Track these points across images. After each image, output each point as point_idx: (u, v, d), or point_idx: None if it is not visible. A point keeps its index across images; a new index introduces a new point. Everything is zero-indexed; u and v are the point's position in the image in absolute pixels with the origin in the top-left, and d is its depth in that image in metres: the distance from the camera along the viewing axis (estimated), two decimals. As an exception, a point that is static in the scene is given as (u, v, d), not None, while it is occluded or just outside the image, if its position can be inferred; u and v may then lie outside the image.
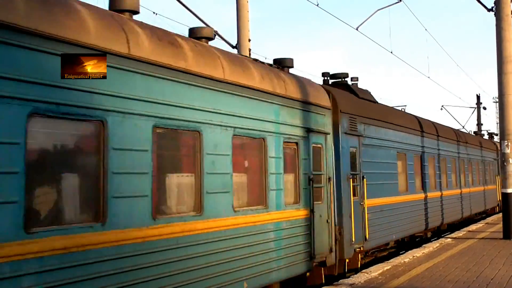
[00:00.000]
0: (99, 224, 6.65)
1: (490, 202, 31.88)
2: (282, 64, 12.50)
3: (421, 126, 21.06)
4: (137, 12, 8.29)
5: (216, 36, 16.56)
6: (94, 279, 6.52)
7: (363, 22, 20.34)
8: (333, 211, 12.75)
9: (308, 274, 11.91)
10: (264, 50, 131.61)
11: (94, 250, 6.52)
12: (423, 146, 20.88)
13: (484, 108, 47.37)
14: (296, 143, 11.44)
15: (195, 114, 8.41)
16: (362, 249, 14.37)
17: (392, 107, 21.68)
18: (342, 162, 13.60)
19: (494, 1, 18.59)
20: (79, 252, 6.34)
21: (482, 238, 18.95)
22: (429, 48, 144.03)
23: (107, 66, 6.41)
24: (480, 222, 26.06)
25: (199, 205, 8.41)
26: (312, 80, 13.59)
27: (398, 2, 21.02)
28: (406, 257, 14.69)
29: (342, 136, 13.80)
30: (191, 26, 10.09)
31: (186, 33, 9.85)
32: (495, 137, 40.01)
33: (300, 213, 11.35)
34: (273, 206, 10.36)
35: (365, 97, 17.01)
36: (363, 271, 12.75)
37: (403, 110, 28.31)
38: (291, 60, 12.77)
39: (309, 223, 11.58)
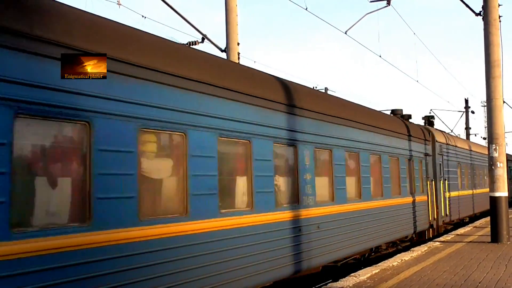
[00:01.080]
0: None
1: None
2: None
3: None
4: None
5: (205, 40, 16.60)
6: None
7: (352, 26, 20.42)
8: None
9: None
10: (253, 54, 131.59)
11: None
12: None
13: (473, 112, 47.64)
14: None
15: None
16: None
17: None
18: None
19: (482, 6, 18.67)
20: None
21: (470, 241, 19.00)
22: (418, 52, 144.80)
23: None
24: (468, 225, 26.13)
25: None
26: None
27: (387, 6, 21.09)
28: (394, 261, 14.70)
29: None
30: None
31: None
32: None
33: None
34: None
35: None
36: (351, 274, 12.76)
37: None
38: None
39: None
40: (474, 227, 24.98)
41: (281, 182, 11.45)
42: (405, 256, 15.65)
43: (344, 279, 12.30)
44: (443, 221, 24.23)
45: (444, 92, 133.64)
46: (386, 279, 12.07)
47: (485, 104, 20.08)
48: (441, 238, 20.29)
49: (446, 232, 24.24)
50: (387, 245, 19.02)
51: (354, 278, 12.18)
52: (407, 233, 19.59)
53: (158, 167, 8.32)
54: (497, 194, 18.10)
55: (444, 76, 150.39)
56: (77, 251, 6.47)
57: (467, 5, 19.72)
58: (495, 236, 17.98)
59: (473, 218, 31.44)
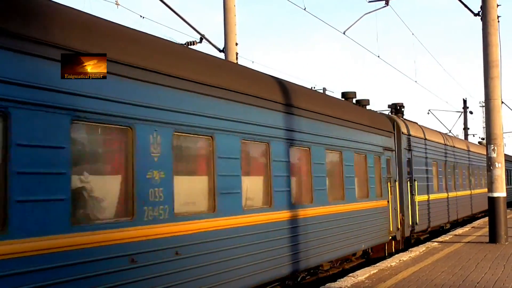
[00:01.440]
0: None
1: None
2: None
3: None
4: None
5: (203, 40, 16.58)
6: None
7: (350, 26, 20.44)
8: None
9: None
10: (252, 54, 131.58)
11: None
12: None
13: (471, 113, 47.71)
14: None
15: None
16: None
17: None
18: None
19: (481, 6, 18.66)
20: None
21: (469, 242, 18.99)
22: (416, 53, 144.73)
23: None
24: (466, 226, 26.12)
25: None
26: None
27: (386, 6, 21.08)
28: (392, 261, 14.69)
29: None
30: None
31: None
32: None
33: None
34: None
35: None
36: (349, 274, 12.74)
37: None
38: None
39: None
40: (472, 227, 24.96)
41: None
42: (403, 256, 15.64)
43: (342, 279, 12.28)
44: (412, 230, 20.41)
45: (442, 92, 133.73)
46: (384, 279, 12.06)
47: (484, 104, 19.99)
48: (439, 239, 20.28)
49: (417, 243, 20.52)
50: (332, 264, 14.61)
51: (352, 278, 12.17)
52: (353, 249, 15.29)
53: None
54: (495, 194, 18.09)
55: (443, 76, 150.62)
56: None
57: (465, 6, 19.72)
58: (493, 237, 17.98)
59: (455, 224, 27.88)
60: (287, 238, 11.48)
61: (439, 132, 27.50)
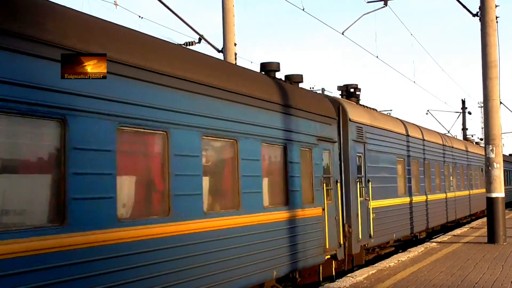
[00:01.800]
0: None
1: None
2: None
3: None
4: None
5: (202, 41, 16.60)
6: None
7: (349, 27, 20.42)
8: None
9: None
10: (251, 55, 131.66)
11: None
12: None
13: (469, 113, 47.76)
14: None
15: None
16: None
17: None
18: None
19: (479, 7, 18.70)
20: None
21: (467, 242, 19.01)
22: (415, 53, 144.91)
23: None
24: (465, 226, 26.14)
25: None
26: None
27: (384, 7, 21.10)
28: (391, 261, 14.70)
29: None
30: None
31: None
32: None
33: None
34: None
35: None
36: (348, 275, 12.75)
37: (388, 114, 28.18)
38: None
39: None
40: (471, 227, 25.00)
41: None
42: (402, 256, 15.65)
43: (341, 279, 12.30)
44: (365, 245, 15.79)
45: (441, 93, 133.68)
46: (383, 280, 12.07)
47: (482, 105, 20.00)
48: (438, 239, 20.31)
49: (375, 260, 16.11)
50: None
51: (351, 278, 12.18)
52: (256, 279, 10.33)
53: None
54: (494, 195, 18.12)
55: (441, 77, 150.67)
56: None
57: (464, 6, 19.76)
58: (492, 237, 17.99)
59: (431, 233, 24.20)
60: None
61: (413, 124, 23.17)
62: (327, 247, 13.22)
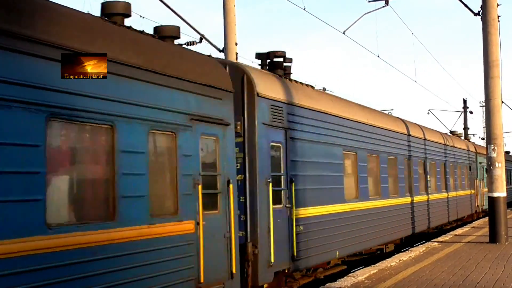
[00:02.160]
0: None
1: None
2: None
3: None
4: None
5: (203, 40, 16.57)
6: None
7: (350, 26, 20.33)
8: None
9: None
10: (252, 54, 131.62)
11: None
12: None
13: (471, 112, 47.61)
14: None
15: None
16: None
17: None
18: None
19: (481, 5, 18.66)
20: None
21: (469, 242, 18.99)
22: (416, 52, 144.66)
23: None
24: (466, 226, 26.12)
25: None
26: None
27: (385, 6, 21.06)
28: (392, 261, 14.68)
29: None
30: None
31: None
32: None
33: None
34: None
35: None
36: (349, 274, 12.73)
37: (390, 113, 27.87)
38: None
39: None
40: (472, 227, 24.98)
41: None
42: (403, 256, 15.63)
43: (342, 279, 12.29)
44: (285, 270, 11.34)
45: (442, 92, 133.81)
46: (384, 279, 12.05)
47: (484, 104, 19.98)
48: (439, 239, 20.27)
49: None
50: None
51: (352, 278, 12.16)
52: None
53: None
54: (495, 194, 18.09)
55: (443, 76, 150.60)
56: None
57: (465, 5, 19.71)
58: (494, 237, 17.97)
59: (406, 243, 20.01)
60: None
61: (368, 108, 18.12)
62: (202, 280, 8.78)
